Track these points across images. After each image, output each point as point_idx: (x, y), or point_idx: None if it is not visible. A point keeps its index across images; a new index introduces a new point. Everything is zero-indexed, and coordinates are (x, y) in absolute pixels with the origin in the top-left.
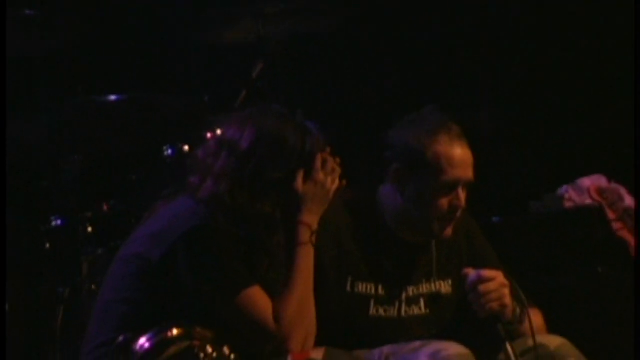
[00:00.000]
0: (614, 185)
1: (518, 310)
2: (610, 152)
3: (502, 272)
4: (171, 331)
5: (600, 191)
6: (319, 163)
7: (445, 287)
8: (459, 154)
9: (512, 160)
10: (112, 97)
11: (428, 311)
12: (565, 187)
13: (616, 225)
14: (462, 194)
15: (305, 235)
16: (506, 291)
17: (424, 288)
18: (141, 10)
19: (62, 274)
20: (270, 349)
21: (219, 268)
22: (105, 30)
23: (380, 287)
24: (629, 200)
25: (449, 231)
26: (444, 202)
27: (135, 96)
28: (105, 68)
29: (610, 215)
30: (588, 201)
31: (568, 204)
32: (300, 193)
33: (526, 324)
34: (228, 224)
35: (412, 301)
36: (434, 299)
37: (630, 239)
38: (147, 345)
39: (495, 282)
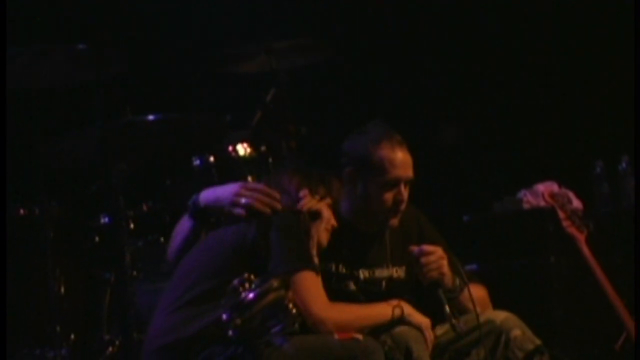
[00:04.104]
0: (563, 190)
1: (457, 281)
2: (561, 162)
3: (441, 247)
4: (272, 282)
5: (552, 195)
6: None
7: (399, 272)
8: (399, 157)
9: (479, 169)
10: (151, 117)
11: (387, 291)
12: (523, 191)
13: (565, 223)
14: (404, 190)
15: None
16: (444, 262)
17: (383, 272)
18: (176, 46)
19: (108, 262)
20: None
21: (293, 243)
22: (146, 63)
23: (340, 267)
24: (576, 203)
25: (394, 221)
26: (389, 197)
27: (170, 116)
28: (146, 93)
29: (561, 215)
30: (542, 203)
31: (526, 205)
32: None
33: (465, 294)
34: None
35: (372, 281)
36: (391, 282)
37: (576, 234)
38: (251, 295)
39: (435, 254)
